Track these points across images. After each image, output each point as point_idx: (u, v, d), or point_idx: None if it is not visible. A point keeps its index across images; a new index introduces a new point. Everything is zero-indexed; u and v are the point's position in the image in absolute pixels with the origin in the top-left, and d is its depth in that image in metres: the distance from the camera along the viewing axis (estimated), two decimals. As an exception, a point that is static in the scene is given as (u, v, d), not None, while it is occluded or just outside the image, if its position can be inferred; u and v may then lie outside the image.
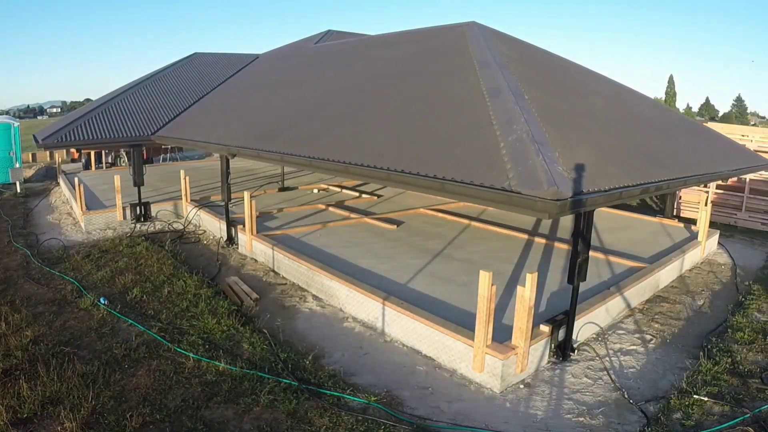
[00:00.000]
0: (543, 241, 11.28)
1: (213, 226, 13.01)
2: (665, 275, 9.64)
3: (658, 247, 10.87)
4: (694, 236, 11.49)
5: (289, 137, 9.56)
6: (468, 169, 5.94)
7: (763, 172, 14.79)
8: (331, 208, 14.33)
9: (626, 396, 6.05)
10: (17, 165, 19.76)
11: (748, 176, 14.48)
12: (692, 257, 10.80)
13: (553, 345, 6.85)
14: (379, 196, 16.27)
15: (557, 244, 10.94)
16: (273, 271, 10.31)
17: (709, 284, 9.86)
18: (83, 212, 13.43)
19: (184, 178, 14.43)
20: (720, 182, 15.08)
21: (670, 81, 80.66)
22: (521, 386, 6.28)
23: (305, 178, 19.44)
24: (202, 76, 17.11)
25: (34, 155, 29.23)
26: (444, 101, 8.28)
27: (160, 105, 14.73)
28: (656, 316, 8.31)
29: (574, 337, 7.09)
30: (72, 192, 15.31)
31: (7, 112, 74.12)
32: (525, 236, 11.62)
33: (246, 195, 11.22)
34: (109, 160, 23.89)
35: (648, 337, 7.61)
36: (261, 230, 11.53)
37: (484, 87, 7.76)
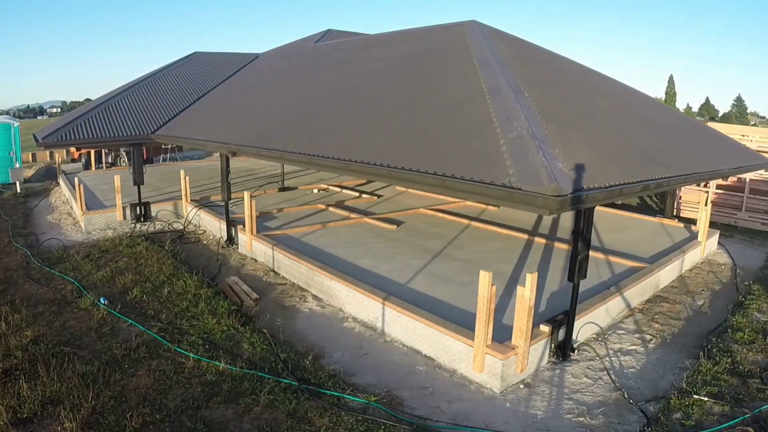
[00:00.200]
0: (543, 241, 11.28)
1: (213, 226, 13.01)
2: (665, 275, 9.64)
3: (658, 247, 10.87)
4: (694, 236, 11.49)
5: (290, 135, 9.56)
6: (468, 166, 5.95)
7: (763, 172, 14.81)
8: (331, 208, 14.33)
9: (626, 396, 6.05)
10: (17, 165, 19.76)
11: (748, 176, 14.49)
12: (692, 257, 10.80)
13: (553, 345, 6.85)
14: (379, 196, 16.28)
15: (557, 244, 10.94)
16: (273, 271, 10.31)
17: (709, 284, 9.86)
18: (83, 212, 13.43)
19: (184, 178, 14.43)
20: (720, 182, 15.09)
21: (670, 81, 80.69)
22: (521, 386, 6.28)
23: (305, 178, 19.44)
24: (202, 76, 17.10)
25: (34, 155, 29.23)
26: (444, 100, 8.28)
27: (160, 104, 14.73)
28: (656, 316, 8.31)
29: (574, 337, 7.09)
30: (72, 192, 15.31)
31: (7, 112, 74.11)
32: (525, 236, 11.62)
33: (246, 195, 11.21)
34: (109, 160, 23.89)
35: (648, 337, 7.61)
36: (261, 230, 11.53)
37: (484, 85, 7.76)
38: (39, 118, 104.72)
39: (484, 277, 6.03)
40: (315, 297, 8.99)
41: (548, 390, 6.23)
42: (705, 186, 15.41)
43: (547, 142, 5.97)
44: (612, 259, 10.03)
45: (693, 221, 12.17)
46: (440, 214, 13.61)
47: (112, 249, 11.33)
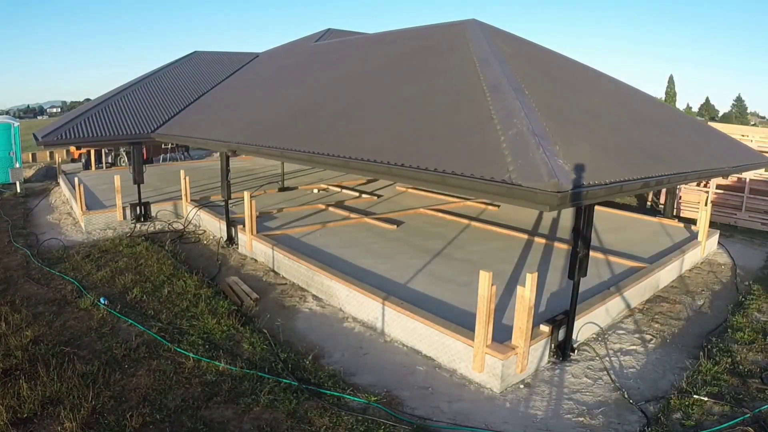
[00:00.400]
0: (543, 241, 11.28)
1: (213, 226, 13.01)
2: (665, 275, 9.64)
3: (658, 247, 10.87)
4: (694, 236, 11.49)
5: (290, 133, 9.57)
6: (469, 163, 5.94)
7: (763, 172, 14.82)
8: (331, 208, 14.33)
9: (626, 396, 6.05)
10: (17, 165, 19.76)
11: (748, 176, 14.50)
12: (692, 257, 10.80)
13: (553, 345, 6.85)
14: (379, 196, 16.28)
15: (557, 244, 10.94)
16: (273, 271, 10.31)
17: (709, 284, 9.86)
18: (83, 212, 13.43)
19: (184, 178, 14.43)
20: (720, 182, 15.10)
21: (670, 81, 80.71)
22: (521, 386, 6.28)
23: (305, 179, 19.45)
24: (201, 75, 17.10)
25: (34, 155, 29.23)
26: (444, 97, 8.28)
27: (160, 103, 14.72)
28: (656, 316, 8.31)
29: (574, 337, 7.09)
30: (72, 192, 15.30)
31: (7, 112, 74.09)
32: (525, 236, 11.62)
33: (246, 195, 11.21)
34: (109, 160, 23.89)
35: (648, 337, 7.61)
36: (261, 230, 11.53)
37: (484, 83, 7.75)
38: (39, 118, 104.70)
39: (484, 277, 6.03)
40: (315, 297, 8.99)
41: (548, 390, 6.23)
42: (705, 186, 15.42)
43: (547, 138, 5.97)
44: (612, 259, 10.03)
45: (693, 221, 12.17)
46: (440, 214, 13.61)
47: (112, 249, 11.33)
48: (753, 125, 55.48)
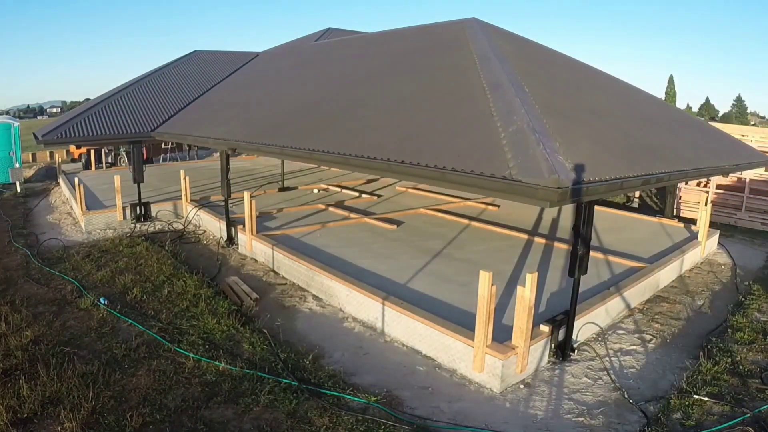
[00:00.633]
0: (543, 241, 11.28)
1: (213, 226, 13.01)
2: (665, 275, 9.64)
3: (658, 247, 10.87)
4: (694, 236, 11.49)
5: (290, 131, 9.57)
6: (469, 159, 5.93)
7: (763, 171, 14.81)
8: (331, 208, 14.33)
9: (626, 396, 6.05)
10: (17, 165, 19.76)
11: (748, 176, 14.50)
12: (692, 257, 10.79)
13: (553, 345, 6.85)
14: (379, 196, 16.28)
15: (557, 244, 10.94)
16: (273, 271, 10.31)
17: (709, 284, 9.86)
18: (83, 212, 13.43)
19: (184, 178, 14.43)
20: (720, 182, 15.10)
21: (670, 81, 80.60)
22: (521, 386, 6.28)
23: (305, 179, 19.45)
24: (202, 74, 17.09)
25: (34, 155, 29.22)
26: (444, 95, 8.27)
27: (160, 102, 14.72)
28: (656, 316, 8.31)
29: (574, 336, 7.08)
30: (72, 192, 15.30)
31: (7, 112, 74.10)
32: (525, 236, 11.62)
33: (246, 195, 11.21)
34: (109, 160, 23.89)
35: (648, 337, 7.61)
36: (261, 230, 11.52)
37: (484, 81, 7.75)
38: (39, 118, 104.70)
39: (484, 277, 6.03)
40: (315, 297, 8.99)
41: (548, 390, 6.23)
42: (705, 186, 15.41)
43: (547, 135, 5.96)
44: (612, 259, 10.03)
45: (693, 221, 12.17)
46: (440, 214, 13.60)
47: (112, 249, 11.33)
48: (753, 125, 55.46)
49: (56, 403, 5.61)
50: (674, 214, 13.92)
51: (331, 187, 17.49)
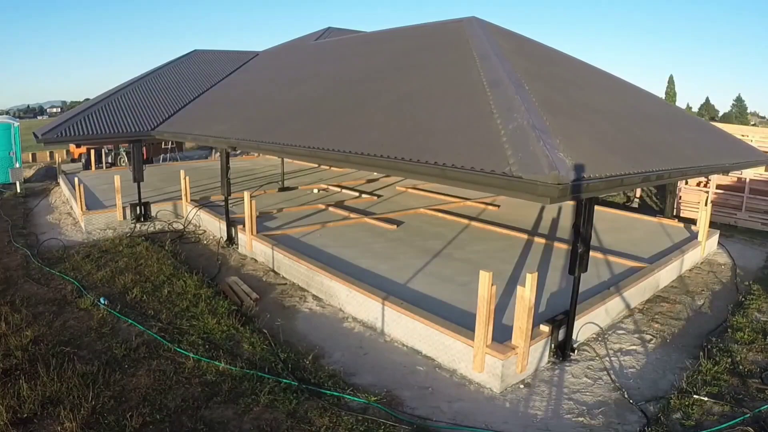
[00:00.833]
0: (543, 241, 11.28)
1: (213, 226, 13.01)
2: (665, 275, 9.64)
3: (658, 247, 10.87)
4: (694, 236, 11.49)
5: (290, 129, 9.56)
6: (469, 156, 5.93)
7: (763, 172, 14.81)
8: (331, 208, 14.33)
9: (626, 396, 6.05)
10: (17, 165, 19.75)
11: (748, 177, 14.50)
12: (692, 257, 10.79)
13: (552, 345, 6.85)
14: (379, 196, 16.28)
15: (557, 244, 10.94)
16: (273, 271, 10.31)
17: (709, 284, 9.86)
18: (83, 212, 13.43)
19: (184, 178, 14.43)
20: (720, 182, 15.10)
21: (670, 81, 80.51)
22: (521, 386, 6.28)
23: (305, 179, 19.45)
24: (201, 73, 17.08)
25: (34, 155, 29.22)
26: (444, 92, 8.27)
27: (160, 101, 14.71)
28: (656, 316, 8.31)
29: (573, 336, 7.08)
30: (72, 192, 15.30)
31: (7, 112, 74.06)
32: (525, 236, 11.62)
33: (246, 195, 11.21)
34: (109, 160, 23.89)
35: (648, 337, 7.61)
36: (261, 230, 11.52)
37: (484, 78, 7.74)
38: (39, 118, 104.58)
39: (484, 277, 6.03)
40: (315, 297, 8.99)
41: (548, 390, 6.23)
42: (705, 186, 15.42)
43: (547, 132, 5.96)
44: (612, 259, 10.03)
45: (693, 221, 12.17)
46: (440, 214, 13.60)
47: (112, 249, 11.32)
48: (753, 125, 55.44)
49: (56, 403, 5.61)
50: (674, 214, 13.92)
51: (331, 187, 17.49)
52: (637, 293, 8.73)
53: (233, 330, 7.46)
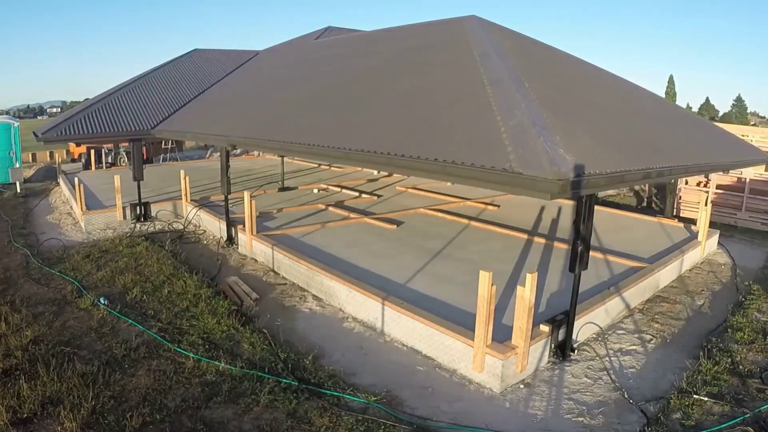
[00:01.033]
0: (543, 241, 11.28)
1: (213, 226, 13.01)
2: (665, 275, 9.64)
3: (658, 247, 10.87)
4: (694, 236, 11.49)
5: (290, 127, 9.56)
6: (469, 153, 5.92)
7: (763, 172, 14.81)
8: (330, 208, 14.33)
9: (626, 396, 6.05)
10: (17, 165, 19.75)
11: (748, 177, 14.50)
12: (692, 257, 10.79)
13: (552, 345, 6.85)
14: (379, 196, 16.28)
15: (557, 244, 10.94)
16: (273, 271, 10.31)
17: (709, 284, 9.85)
18: (83, 212, 13.43)
19: (184, 178, 14.43)
20: (720, 182, 15.10)
21: (670, 81, 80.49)
22: (521, 386, 6.28)
23: (305, 179, 19.45)
24: (202, 72, 17.06)
25: (34, 155, 29.22)
26: (444, 90, 8.27)
27: (160, 100, 14.70)
28: (656, 316, 8.31)
29: (573, 336, 7.08)
30: (72, 192, 15.30)
31: (7, 112, 74.06)
32: (525, 236, 11.62)
33: (246, 195, 11.21)
34: (109, 160, 23.90)
35: (648, 337, 7.61)
36: (261, 230, 11.52)
37: (484, 76, 7.73)
38: (39, 118, 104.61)
39: (484, 277, 6.03)
40: (315, 297, 8.99)
41: (548, 390, 6.23)
42: (705, 186, 15.42)
43: (547, 129, 5.94)
44: (612, 259, 10.03)
45: (693, 221, 12.17)
46: (440, 214, 13.60)
47: (112, 249, 11.33)
48: (753, 125, 55.42)
49: (56, 403, 5.61)
50: (674, 214, 13.92)
51: (331, 187, 17.49)
52: (637, 293, 8.73)
53: (233, 330, 7.46)
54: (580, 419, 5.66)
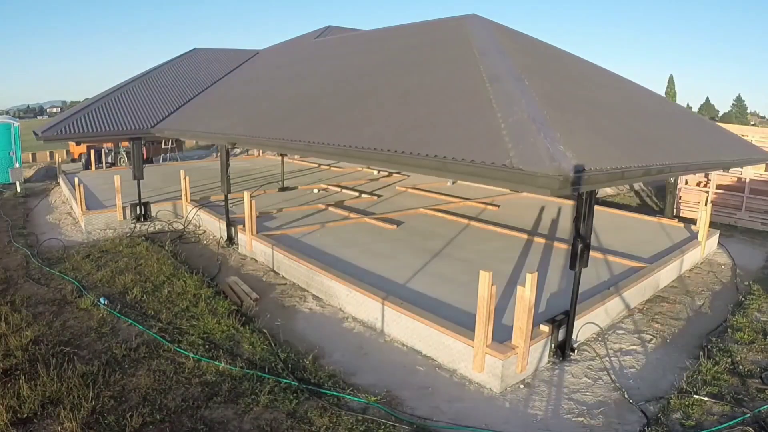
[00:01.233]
0: (543, 241, 11.28)
1: (213, 226, 13.01)
2: (665, 275, 9.64)
3: (658, 247, 10.87)
4: (694, 236, 11.49)
5: (290, 125, 9.56)
6: (469, 149, 5.91)
7: (763, 172, 14.81)
8: (330, 208, 14.33)
9: (626, 396, 6.05)
10: (17, 165, 19.75)
11: (748, 176, 14.50)
12: (692, 257, 10.79)
13: (553, 345, 6.85)
14: (378, 196, 16.27)
15: (557, 244, 10.94)
16: (273, 271, 10.31)
17: (709, 284, 9.86)
18: (83, 212, 13.43)
19: (184, 178, 14.43)
20: (720, 182, 15.09)
21: (670, 81, 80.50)
22: (521, 386, 6.28)
23: (305, 179, 19.45)
24: (201, 71, 17.05)
25: (34, 155, 29.21)
26: (445, 88, 8.25)
27: (160, 99, 14.69)
28: (656, 316, 8.31)
29: (573, 336, 7.08)
30: (72, 192, 15.30)
31: (7, 112, 74.07)
32: (525, 236, 11.62)
33: (246, 195, 11.21)
34: (109, 160, 23.89)
35: (648, 337, 7.61)
36: (261, 230, 11.52)
37: (484, 74, 7.72)
38: (39, 118, 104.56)
39: (484, 277, 6.03)
40: (315, 297, 8.99)
41: (548, 390, 6.23)
42: (705, 186, 15.42)
43: (547, 126, 5.93)
44: (612, 259, 10.03)
45: (693, 221, 12.17)
46: (440, 214, 13.60)
47: (112, 249, 11.32)
48: (753, 125, 55.43)
49: (56, 403, 5.61)
50: (674, 214, 13.93)
51: (330, 187, 17.49)
52: (637, 293, 8.73)
53: (233, 330, 7.46)
54: (580, 419, 5.66)
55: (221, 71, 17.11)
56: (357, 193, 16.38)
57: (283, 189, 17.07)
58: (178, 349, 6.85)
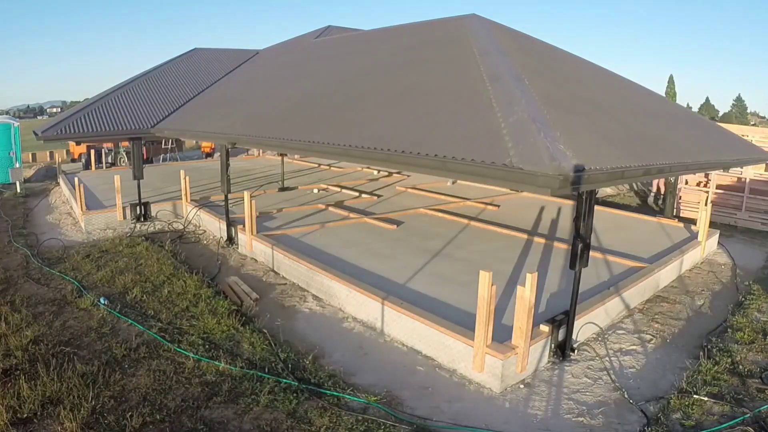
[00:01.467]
0: (543, 241, 11.28)
1: (213, 226, 13.01)
2: (665, 275, 9.64)
3: (658, 247, 10.87)
4: (694, 236, 11.49)
5: (290, 125, 9.55)
6: (469, 148, 5.90)
7: (763, 172, 14.82)
8: (330, 208, 14.33)
9: (626, 396, 6.05)
10: (17, 165, 19.75)
11: (748, 177, 14.50)
12: (692, 257, 10.79)
13: (552, 345, 6.85)
14: (378, 196, 16.27)
15: (557, 244, 10.94)
16: (273, 271, 10.31)
17: (709, 284, 9.86)
18: (83, 212, 13.43)
19: (184, 178, 14.43)
20: (720, 182, 15.09)
21: (670, 81, 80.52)
22: (521, 386, 6.29)
23: (305, 179, 19.45)
24: (201, 71, 17.05)
25: (34, 155, 29.22)
26: (444, 87, 8.25)
27: (160, 99, 14.69)
28: (656, 316, 8.31)
29: (573, 336, 7.08)
30: (72, 192, 15.30)
31: (7, 112, 74.07)
32: (525, 236, 11.62)
33: (246, 195, 11.21)
34: (109, 160, 23.90)
35: (648, 337, 7.61)
36: (261, 230, 11.52)
37: (484, 73, 7.72)
38: (39, 118, 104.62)
39: (484, 277, 6.03)
40: (315, 297, 8.99)
41: (548, 390, 6.23)
42: (705, 186, 15.42)
43: (547, 125, 5.93)
44: (612, 259, 10.03)
45: (693, 221, 12.17)
46: (440, 214, 13.60)
47: (112, 249, 11.32)
48: (753, 125, 55.43)
49: (56, 403, 5.61)
50: (674, 214, 13.92)
51: (330, 187, 17.49)
52: (637, 293, 8.73)
53: (233, 330, 7.46)
54: (580, 419, 5.66)
55: (221, 71, 17.11)
56: (357, 193, 16.38)
57: (283, 189, 17.07)
58: (178, 349, 6.85)
